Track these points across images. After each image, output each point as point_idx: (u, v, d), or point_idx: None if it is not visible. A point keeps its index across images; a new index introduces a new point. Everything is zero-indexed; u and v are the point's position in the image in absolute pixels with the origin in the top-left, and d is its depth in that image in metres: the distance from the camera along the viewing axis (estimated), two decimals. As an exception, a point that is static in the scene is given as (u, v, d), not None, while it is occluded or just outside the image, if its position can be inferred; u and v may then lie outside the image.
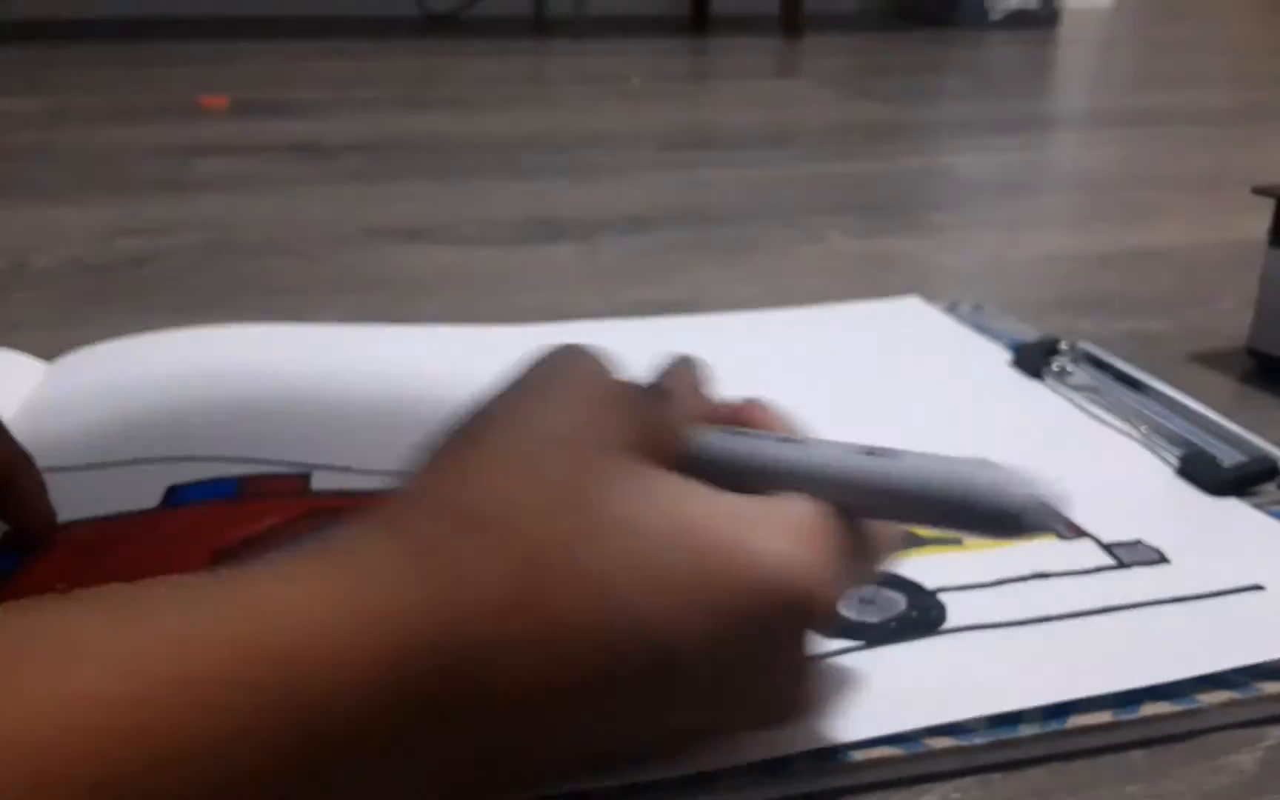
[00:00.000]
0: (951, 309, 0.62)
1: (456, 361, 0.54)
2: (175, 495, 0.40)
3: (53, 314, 0.61)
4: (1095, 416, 0.49)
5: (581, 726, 0.24)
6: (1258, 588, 0.36)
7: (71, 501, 0.38)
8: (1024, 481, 0.25)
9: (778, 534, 0.24)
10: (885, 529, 0.28)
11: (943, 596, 0.35)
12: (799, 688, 0.27)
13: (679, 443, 0.27)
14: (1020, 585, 0.36)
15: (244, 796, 0.20)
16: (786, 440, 0.28)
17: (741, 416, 0.30)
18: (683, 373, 0.30)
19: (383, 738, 0.21)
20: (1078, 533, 0.39)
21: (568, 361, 0.27)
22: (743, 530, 0.24)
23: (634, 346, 0.56)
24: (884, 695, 0.30)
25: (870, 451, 0.27)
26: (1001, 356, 0.55)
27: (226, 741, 0.19)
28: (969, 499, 0.25)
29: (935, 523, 0.26)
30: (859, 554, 0.27)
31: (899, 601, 0.35)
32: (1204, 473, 0.43)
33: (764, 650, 0.25)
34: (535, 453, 0.24)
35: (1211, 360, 0.58)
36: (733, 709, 0.26)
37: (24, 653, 0.19)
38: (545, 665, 0.23)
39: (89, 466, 0.41)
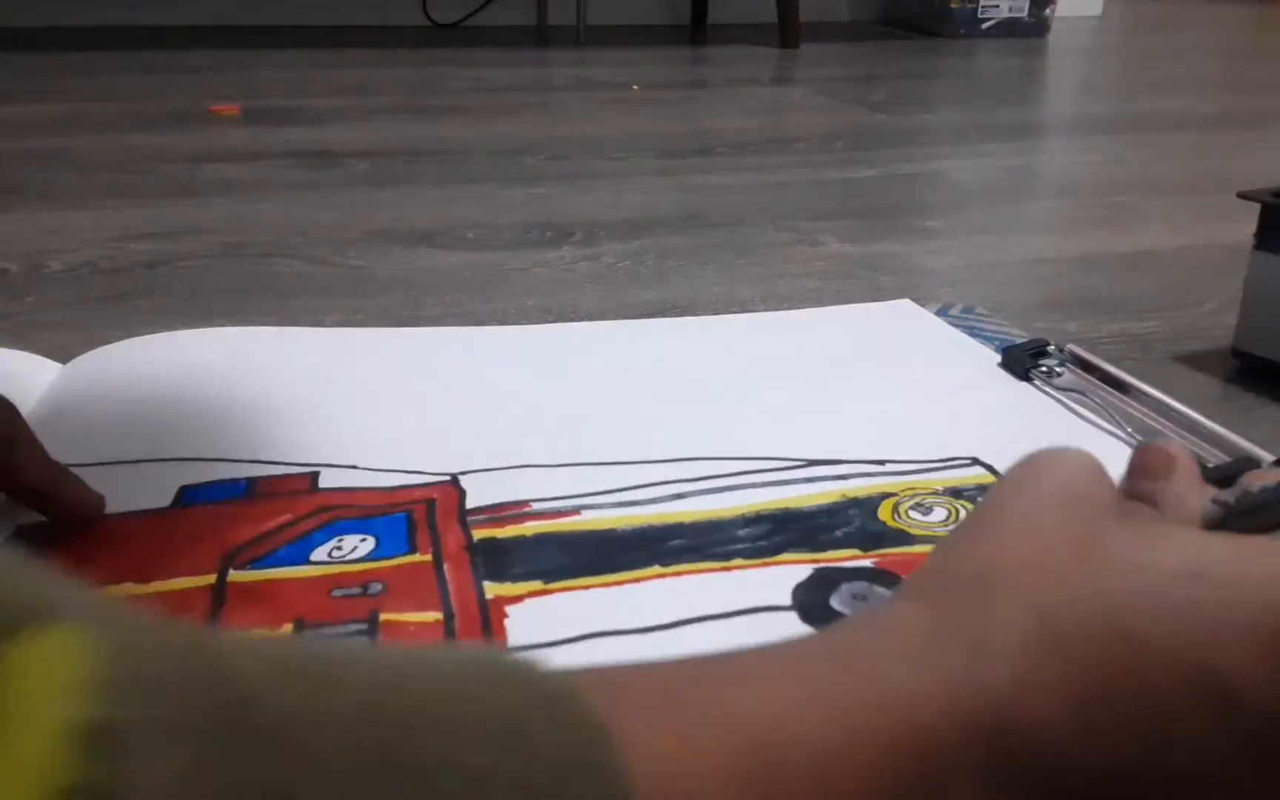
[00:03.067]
0: (942, 311, 0.64)
1: (460, 362, 0.55)
2: (187, 495, 0.41)
3: (66, 315, 0.62)
4: (1082, 417, 0.50)
5: (1129, 773, 0.23)
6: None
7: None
8: None
9: None
10: None
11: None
12: None
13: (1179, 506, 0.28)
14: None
15: None
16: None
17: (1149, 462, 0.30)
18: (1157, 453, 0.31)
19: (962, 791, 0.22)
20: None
21: (1044, 454, 0.28)
22: None
23: (634, 347, 0.58)
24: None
25: None
26: (990, 358, 0.57)
27: None
28: None
29: None
30: None
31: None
32: (1185, 469, 0.44)
33: None
34: (1033, 517, 0.25)
35: (1197, 361, 0.59)
36: None
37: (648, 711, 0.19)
38: (1074, 707, 0.22)
39: (101, 465, 0.42)
